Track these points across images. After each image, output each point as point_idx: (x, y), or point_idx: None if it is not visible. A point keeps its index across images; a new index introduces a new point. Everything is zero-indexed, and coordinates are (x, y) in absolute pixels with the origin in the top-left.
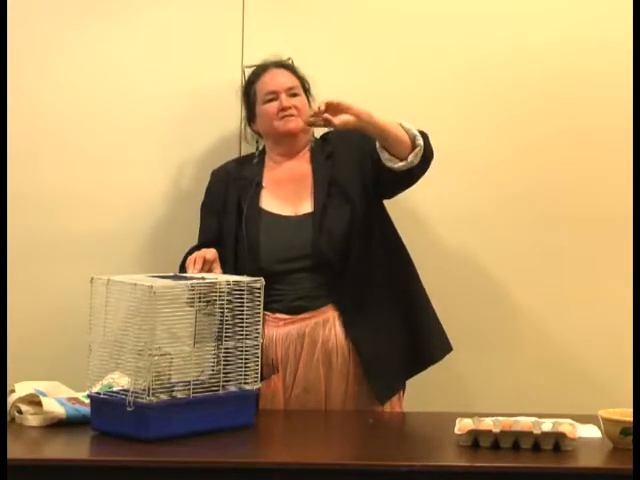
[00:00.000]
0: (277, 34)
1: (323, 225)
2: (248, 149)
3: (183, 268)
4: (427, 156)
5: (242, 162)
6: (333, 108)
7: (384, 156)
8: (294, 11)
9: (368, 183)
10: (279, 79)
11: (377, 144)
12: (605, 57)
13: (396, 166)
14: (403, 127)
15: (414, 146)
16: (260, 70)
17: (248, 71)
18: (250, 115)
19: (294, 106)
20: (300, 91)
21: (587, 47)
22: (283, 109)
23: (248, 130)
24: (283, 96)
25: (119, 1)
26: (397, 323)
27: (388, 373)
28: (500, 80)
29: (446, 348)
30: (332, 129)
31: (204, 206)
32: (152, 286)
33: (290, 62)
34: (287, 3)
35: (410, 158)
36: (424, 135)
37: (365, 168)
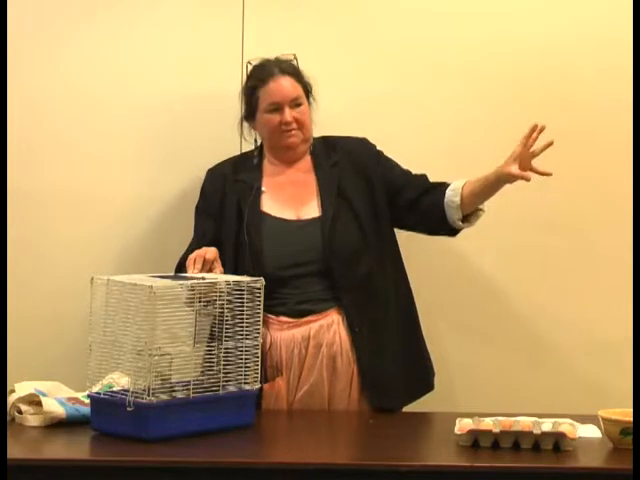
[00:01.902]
0: (277, 35)
1: (333, 230)
2: (248, 148)
3: (179, 271)
4: None
5: (239, 163)
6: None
7: (457, 215)
8: (294, 12)
9: (381, 212)
10: (284, 89)
11: (456, 200)
12: (606, 57)
13: (458, 225)
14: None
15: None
16: (266, 75)
17: (251, 66)
18: (249, 115)
19: (296, 120)
20: (303, 99)
21: (588, 47)
22: (285, 123)
23: (245, 125)
24: (287, 110)
25: (119, 4)
26: (400, 341)
27: (388, 394)
28: (507, 81)
29: (433, 373)
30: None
31: (199, 209)
32: (152, 286)
33: (294, 61)
34: (287, 4)
35: (473, 220)
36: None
37: (377, 199)
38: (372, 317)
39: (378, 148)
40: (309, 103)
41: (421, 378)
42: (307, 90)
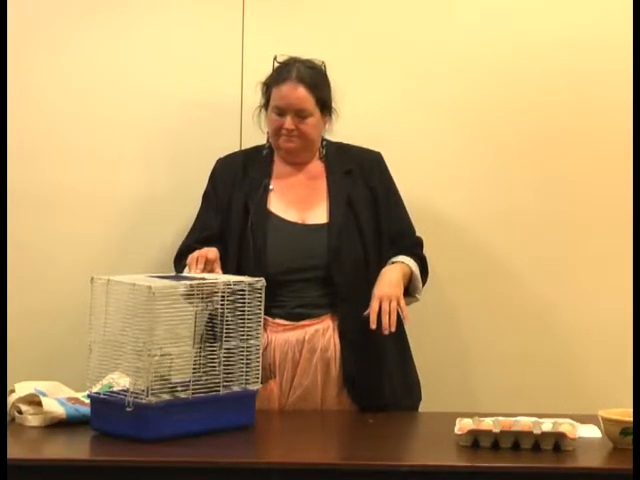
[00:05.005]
0: (277, 36)
1: (339, 239)
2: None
3: (179, 261)
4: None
5: (250, 156)
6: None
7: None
8: (294, 13)
9: (383, 230)
10: (290, 97)
11: None
12: (606, 56)
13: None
14: (413, 274)
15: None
16: (281, 77)
17: (276, 62)
18: (264, 107)
19: (297, 128)
20: (312, 112)
21: (588, 47)
22: (285, 129)
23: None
24: (288, 119)
25: (120, 4)
26: (390, 357)
27: (372, 402)
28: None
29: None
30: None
31: (207, 197)
32: (151, 286)
33: (321, 69)
34: (287, 5)
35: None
36: (423, 260)
37: (380, 216)
38: (365, 328)
39: (389, 168)
40: (326, 115)
41: (407, 395)
42: (324, 103)
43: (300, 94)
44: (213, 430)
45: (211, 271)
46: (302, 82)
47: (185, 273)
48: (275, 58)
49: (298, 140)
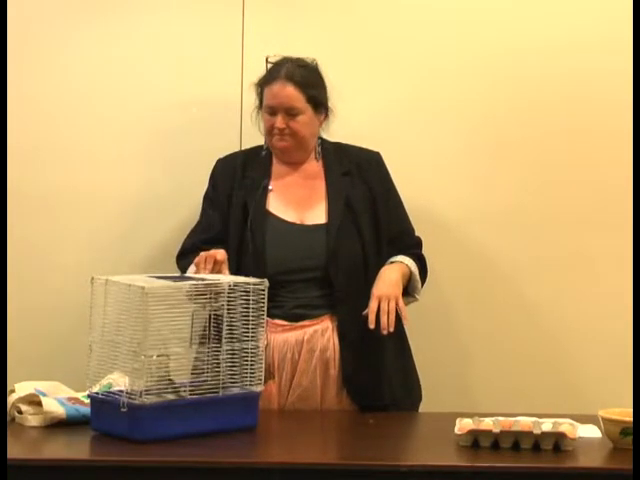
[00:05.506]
0: (277, 36)
1: (338, 239)
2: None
3: (182, 260)
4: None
5: (249, 157)
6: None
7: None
8: (294, 13)
9: (381, 230)
10: (281, 96)
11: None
12: (606, 56)
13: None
14: (412, 274)
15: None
16: (271, 77)
17: (269, 63)
18: (259, 107)
19: (289, 127)
20: (303, 110)
21: (588, 47)
22: (277, 129)
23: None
24: (279, 117)
25: (120, 4)
26: (388, 359)
27: (372, 403)
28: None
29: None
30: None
31: (208, 198)
32: (144, 287)
33: (312, 66)
34: (287, 5)
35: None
36: (422, 260)
37: (378, 217)
38: (364, 328)
39: (388, 168)
40: (320, 114)
41: (407, 395)
42: (317, 101)
43: (289, 92)
44: (215, 431)
45: (219, 272)
46: (291, 80)
47: (192, 273)
48: (267, 59)
49: (290, 139)
